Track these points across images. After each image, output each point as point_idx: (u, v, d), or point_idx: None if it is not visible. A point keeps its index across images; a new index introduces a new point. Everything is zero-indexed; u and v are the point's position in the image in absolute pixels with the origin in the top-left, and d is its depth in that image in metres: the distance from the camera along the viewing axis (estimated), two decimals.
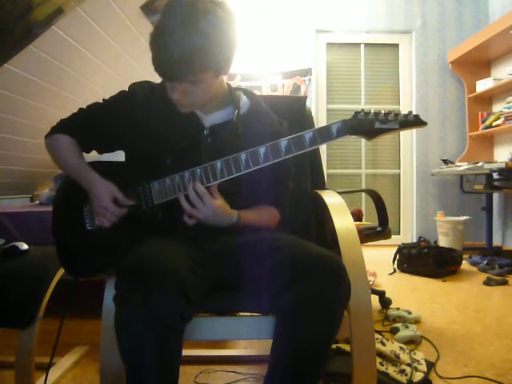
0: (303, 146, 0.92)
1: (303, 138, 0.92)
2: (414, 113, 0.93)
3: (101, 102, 1.10)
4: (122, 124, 1.04)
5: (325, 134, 0.92)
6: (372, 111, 0.92)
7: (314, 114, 1.67)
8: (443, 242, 3.56)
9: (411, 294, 2.46)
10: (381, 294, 2.12)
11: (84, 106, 1.11)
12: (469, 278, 2.78)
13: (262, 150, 0.92)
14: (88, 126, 1.07)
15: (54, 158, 1.09)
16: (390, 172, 4.28)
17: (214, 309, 0.95)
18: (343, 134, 0.92)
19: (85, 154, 1.10)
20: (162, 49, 0.87)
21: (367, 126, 0.92)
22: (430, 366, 1.43)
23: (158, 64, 0.90)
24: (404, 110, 0.94)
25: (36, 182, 2.94)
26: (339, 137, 0.92)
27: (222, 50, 0.90)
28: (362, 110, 0.93)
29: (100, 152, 1.13)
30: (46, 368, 1.13)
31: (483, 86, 3.76)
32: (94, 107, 1.09)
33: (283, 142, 0.92)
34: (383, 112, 0.92)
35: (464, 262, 3.08)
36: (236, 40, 0.92)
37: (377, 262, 3.09)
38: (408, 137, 4.19)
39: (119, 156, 1.11)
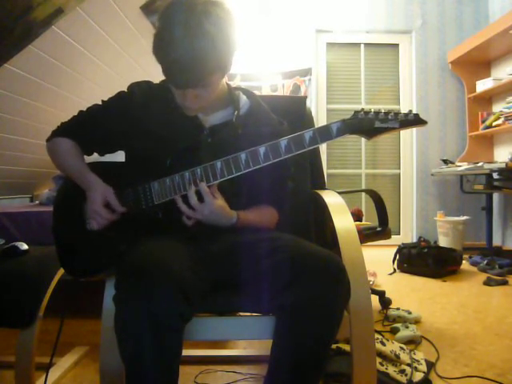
0: (303, 145, 0.91)
1: (303, 137, 0.91)
2: (414, 112, 0.93)
3: (100, 103, 1.10)
4: (122, 125, 1.04)
5: (325, 134, 0.92)
6: (372, 110, 0.92)
7: (313, 114, 1.67)
8: (443, 241, 3.56)
9: (411, 293, 2.46)
10: (381, 294, 2.12)
11: (84, 109, 1.11)
12: (469, 278, 2.78)
13: (261, 149, 0.92)
14: (88, 128, 1.07)
15: (54, 162, 1.09)
16: (390, 172, 4.28)
17: (214, 309, 0.95)
18: (343, 134, 0.92)
19: (86, 156, 1.10)
20: (171, 59, 0.86)
21: (367, 125, 0.92)
22: (430, 366, 1.43)
23: (172, 75, 0.90)
24: (404, 110, 0.94)
25: (36, 182, 2.94)
26: (339, 136, 0.91)
27: (226, 49, 0.90)
28: (362, 109, 0.93)
29: (101, 154, 1.13)
30: (46, 368, 1.13)
31: (483, 85, 3.76)
32: (93, 109, 1.10)
33: (283, 142, 0.92)
34: (383, 111, 0.92)
35: (464, 262, 3.08)
36: (237, 37, 0.92)
37: (377, 262, 3.09)
38: (408, 137, 4.19)
39: (120, 156, 1.11)
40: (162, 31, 0.87)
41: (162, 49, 0.87)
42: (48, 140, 1.10)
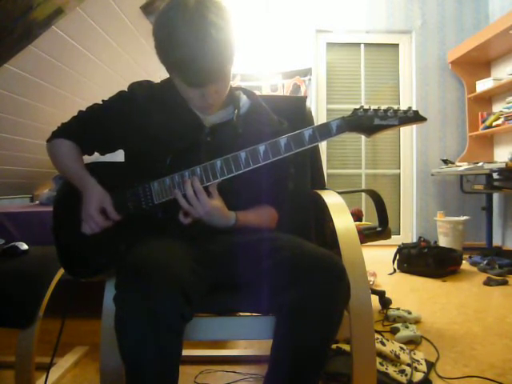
0: (303, 143, 0.91)
1: (302, 135, 0.91)
2: (414, 108, 0.93)
3: (100, 103, 1.10)
4: (122, 124, 1.04)
5: (324, 131, 0.92)
6: (371, 108, 0.92)
7: (314, 114, 1.67)
8: (443, 241, 3.56)
9: (411, 294, 2.46)
10: (381, 294, 2.12)
11: (83, 108, 1.10)
12: (469, 278, 2.78)
13: (261, 148, 0.92)
14: (88, 128, 1.07)
15: (54, 163, 1.09)
16: (390, 172, 4.28)
17: (214, 309, 0.95)
18: (342, 131, 0.92)
19: (86, 156, 1.10)
20: (189, 60, 0.84)
21: (366, 122, 0.92)
22: (430, 366, 1.43)
23: (191, 75, 0.88)
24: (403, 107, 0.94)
25: (36, 182, 2.94)
26: (339, 133, 0.91)
27: (232, 38, 0.89)
28: (361, 106, 0.93)
29: (102, 153, 1.13)
30: (46, 368, 1.13)
31: (483, 85, 3.76)
32: (93, 109, 1.09)
33: (283, 140, 0.92)
34: (382, 108, 0.92)
35: (464, 262, 3.08)
36: (235, 25, 0.92)
37: (377, 262, 3.09)
38: (408, 137, 4.19)
39: (120, 156, 1.11)
40: (168, 35, 0.86)
41: (176, 52, 0.85)
42: (48, 141, 1.10)
